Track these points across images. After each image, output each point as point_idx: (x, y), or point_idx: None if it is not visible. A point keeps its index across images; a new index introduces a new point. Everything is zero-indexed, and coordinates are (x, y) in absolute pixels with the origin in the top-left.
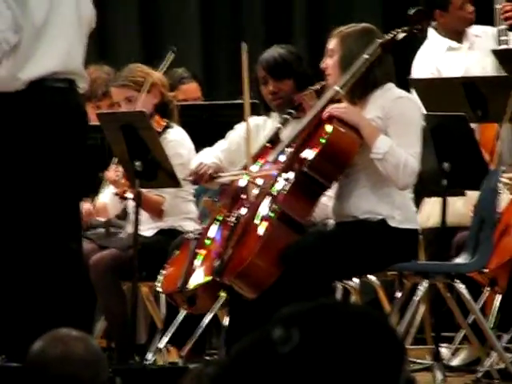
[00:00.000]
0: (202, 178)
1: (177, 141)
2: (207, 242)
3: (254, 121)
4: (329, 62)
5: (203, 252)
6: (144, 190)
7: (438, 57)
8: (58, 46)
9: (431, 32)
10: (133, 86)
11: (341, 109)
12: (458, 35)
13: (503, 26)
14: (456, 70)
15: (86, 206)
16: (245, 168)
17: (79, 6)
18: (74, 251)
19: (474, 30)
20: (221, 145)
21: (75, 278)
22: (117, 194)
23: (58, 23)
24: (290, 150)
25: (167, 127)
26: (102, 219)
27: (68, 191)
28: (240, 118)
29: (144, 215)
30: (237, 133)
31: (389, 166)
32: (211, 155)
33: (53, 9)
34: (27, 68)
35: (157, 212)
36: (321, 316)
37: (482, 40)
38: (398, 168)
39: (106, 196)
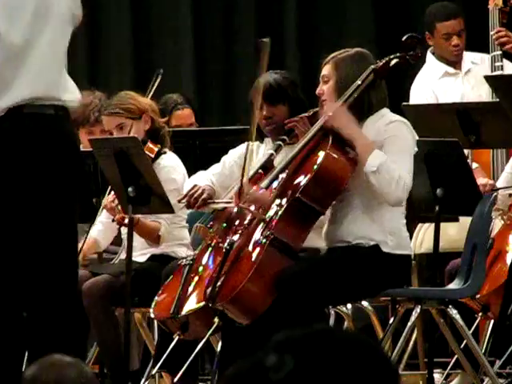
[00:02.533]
0: (196, 202)
1: (170, 166)
2: (200, 268)
3: (249, 145)
4: (324, 88)
5: (196, 278)
6: (141, 216)
7: (434, 82)
8: (38, 70)
9: (429, 56)
10: (124, 114)
11: (340, 119)
12: (454, 61)
13: (497, 52)
14: (452, 95)
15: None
16: (239, 194)
17: (64, 31)
18: (68, 278)
19: (472, 57)
20: (214, 168)
21: (69, 303)
22: (114, 221)
23: (41, 46)
24: (282, 176)
25: (160, 153)
26: (95, 256)
27: (57, 217)
28: (231, 143)
29: (137, 241)
30: (231, 157)
31: (382, 180)
32: (205, 178)
33: (33, 32)
34: (5, 95)
35: (154, 238)
36: (314, 342)
37: (479, 67)
38: (391, 182)
39: (95, 230)
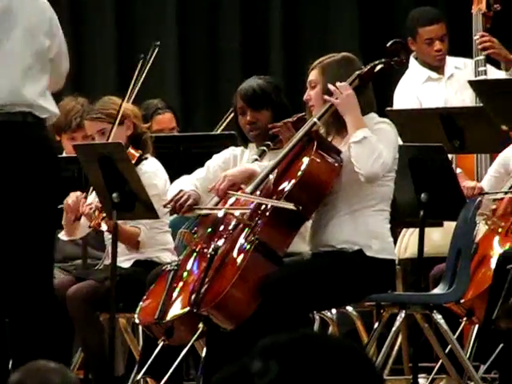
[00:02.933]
0: (182, 208)
1: (151, 172)
2: (184, 274)
3: (232, 151)
4: (311, 94)
5: (180, 284)
6: (119, 222)
7: (417, 87)
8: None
9: (412, 61)
10: (106, 119)
11: (340, 95)
12: (436, 66)
13: (481, 57)
14: (435, 100)
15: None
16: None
17: (34, 40)
18: (48, 283)
19: (455, 62)
20: (199, 173)
21: (51, 309)
22: (90, 227)
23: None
24: (267, 181)
25: (141, 158)
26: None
27: (31, 222)
28: (215, 148)
29: (120, 246)
30: (215, 162)
31: (363, 151)
32: (189, 183)
33: None
34: None
35: (133, 243)
36: (299, 348)
37: (462, 72)
38: (371, 155)
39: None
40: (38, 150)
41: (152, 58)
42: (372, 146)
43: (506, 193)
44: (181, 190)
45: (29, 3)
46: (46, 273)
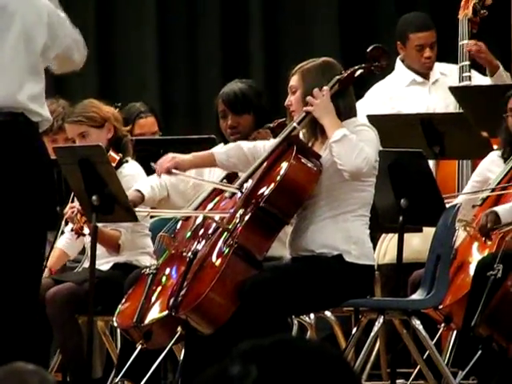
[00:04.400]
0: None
1: (132, 175)
2: (163, 277)
3: None
4: (292, 99)
5: (159, 288)
6: (100, 225)
7: (401, 89)
8: None
9: (398, 63)
10: (86, 122)
11: (314, 102)
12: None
13: (466, 63)
14: (418, 104)
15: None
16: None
17: (29, 42)
18: (30, 286)
19: (442, 68)
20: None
21: (31, 312)
22: (72, 230)
23: None
24: (247, 185)
25: (122, 162)
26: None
27: (19, 223)
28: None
29: (100, 249)
30: None
31: (344, 147)
32: (148, 183)
33: None
34: None
35: (113, 246)
36: (278, 352)
37: (448, 78)
38: (353, 150)
39: (63, 240)
40: (28, 151)
41: None
42: (353, 142)
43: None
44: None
45: (25, 3)
46: (31, 275)
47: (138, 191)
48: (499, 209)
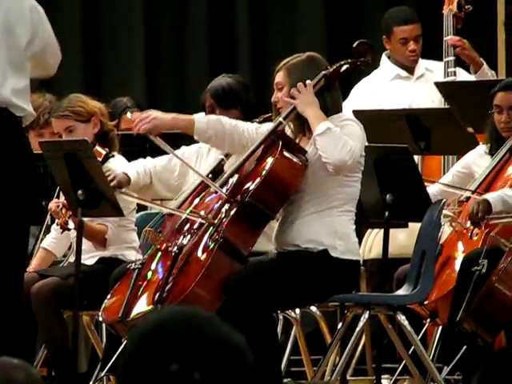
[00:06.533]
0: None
1: (117, 170)
2: (149, 272)
3: (198, 148)
4: (279, 96)
5: (145, 282)
6: (86, 219)
7: (384, 83)
8: None
9: (383, 59)
10: (72, 117)
11: (297, 95)
12: (409, 66)
13: (451, 58)
14: (401, 99)
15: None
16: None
17: (10, 37)
18: (14, 280)
19: (428, 64)
20: (159, 160)
21: (15, 306)
22: (57, 225)
23: None
24: (232, 180)
25: (108, 156)
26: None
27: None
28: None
29: (85, 244)
30: (179, 153)
31: (328, 140)
32: (135, 167)
33: None
34: None
35: (100, 241)
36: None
37: (434, 74)
38: (337, 143)
39: (49, 238)
40: (11, 146)
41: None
42: (337, 135)
43: (473, 192)
44: (109, 170)
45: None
46: (14, 269)
47: (125, 174)
48: (490, 198)
